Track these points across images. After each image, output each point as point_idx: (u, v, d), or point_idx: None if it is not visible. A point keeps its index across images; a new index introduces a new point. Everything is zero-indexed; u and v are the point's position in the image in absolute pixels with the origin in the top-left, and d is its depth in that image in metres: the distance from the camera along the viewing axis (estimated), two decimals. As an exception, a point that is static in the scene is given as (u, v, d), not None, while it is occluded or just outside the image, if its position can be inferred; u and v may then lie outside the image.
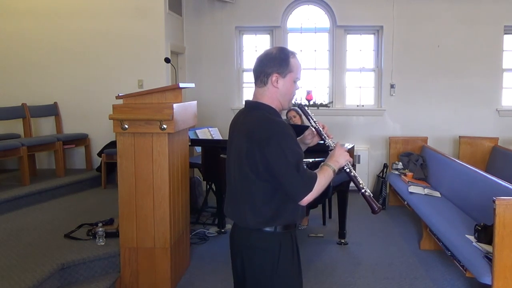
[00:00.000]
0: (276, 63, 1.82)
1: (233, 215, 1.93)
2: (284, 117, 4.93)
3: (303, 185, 1.73)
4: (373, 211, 1.90)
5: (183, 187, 3.61)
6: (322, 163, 1.87)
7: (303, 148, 2.05)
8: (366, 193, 1.90)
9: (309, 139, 2.05)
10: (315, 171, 1.82)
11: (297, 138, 1.99)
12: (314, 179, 1.75)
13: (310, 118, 1.99)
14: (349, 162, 1.91)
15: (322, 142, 2.00)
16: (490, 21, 6.17)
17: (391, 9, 6.24)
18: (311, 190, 1.73)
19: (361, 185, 1.91)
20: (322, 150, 2.10)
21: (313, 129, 2.01)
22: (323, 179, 1.78)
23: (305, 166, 1.77)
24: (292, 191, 1.74)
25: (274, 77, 1.83)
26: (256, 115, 1.82)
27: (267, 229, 1.82)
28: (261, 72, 1.85)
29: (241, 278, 1.94)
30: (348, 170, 1.91)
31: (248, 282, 1.90)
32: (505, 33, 6.26)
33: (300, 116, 4.89)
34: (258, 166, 1.75)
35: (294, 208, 1.83)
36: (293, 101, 1.94)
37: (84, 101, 5.79)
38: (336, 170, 1.85)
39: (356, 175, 1.92)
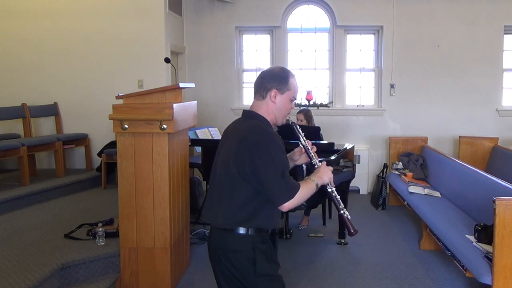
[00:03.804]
0: (276, 80, 1.95)
1: (209, 215, 1.98)
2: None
3: (286, 191, 1.82)
4: (349, 233, 2.01)
5: (183, 187, 3.61)
6: (307, 177, 1.99)
7: (291, 164, 2.14)
8: (345, 215, 2.02)
9: (297, 156, 2.17)
10: (299, 181, 1.90)
11: (287, 155, 2.09)
12: (296, 188, 1.84)
13: (301, 136, 2.09)
14: (331, 181, 2.01)
15: (309, 161, 2.12)
16: (490, 21, 6.17)
17: (391, 9, 6.25)
18: (292, 198, 1.82)
19: (340, 206, 2.03)
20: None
21: (302, 147, 2.11)
22: (305, 190, 1.88)
23: (289, 175, 1.86)
24: (274, 195, 1.82)
25: (273, 92, 1.95)
26: (250, 123, 1.94)
27: (240, 231, 1.88)
28: (261, 86, 1.97)
29: (220, 282, 1.97)
30: (330, 190, 2.02)
31: (229, 285, 1.92)
32: (505, 33, 6.26)
33: (308, 120, 4.89)
34: (245, 167, 1.82)
35: (269, 214, 1.92)
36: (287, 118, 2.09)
37: (84, 101, 5.80)
38: (319, 185, 1.96)
39: (338, 196, 2.04)
